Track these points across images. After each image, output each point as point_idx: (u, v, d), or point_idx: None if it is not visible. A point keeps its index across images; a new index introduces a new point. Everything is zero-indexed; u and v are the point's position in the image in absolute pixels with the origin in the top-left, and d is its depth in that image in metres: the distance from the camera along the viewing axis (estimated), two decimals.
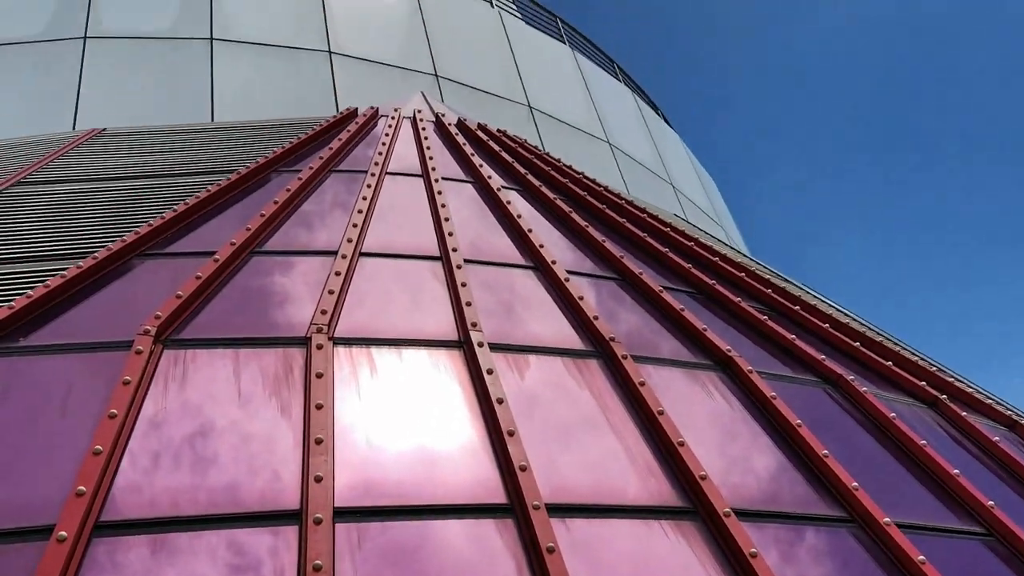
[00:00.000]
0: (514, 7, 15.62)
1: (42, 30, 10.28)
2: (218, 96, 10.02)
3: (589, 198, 6.54)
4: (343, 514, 2.97)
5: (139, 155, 6.81)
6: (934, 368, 5.76)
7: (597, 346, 4.32)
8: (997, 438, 4.78)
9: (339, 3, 11.73)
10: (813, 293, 8.00)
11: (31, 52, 10.07)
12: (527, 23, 14.63)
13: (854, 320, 7.15)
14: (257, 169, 5.95)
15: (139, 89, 9.91)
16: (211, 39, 10.53)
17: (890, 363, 5.24)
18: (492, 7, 13.96)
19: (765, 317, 5.18)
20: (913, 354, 6.36)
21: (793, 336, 5.01)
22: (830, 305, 7.55)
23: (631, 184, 12.21)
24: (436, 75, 11.51)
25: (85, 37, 10.19)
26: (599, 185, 7.18)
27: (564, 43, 14.55)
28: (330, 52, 11.02)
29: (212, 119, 9.69)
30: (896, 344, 6.55)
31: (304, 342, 3.89)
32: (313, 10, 11.46)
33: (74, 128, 9.15)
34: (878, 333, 6.87)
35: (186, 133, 7.62)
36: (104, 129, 8.03)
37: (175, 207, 5.17)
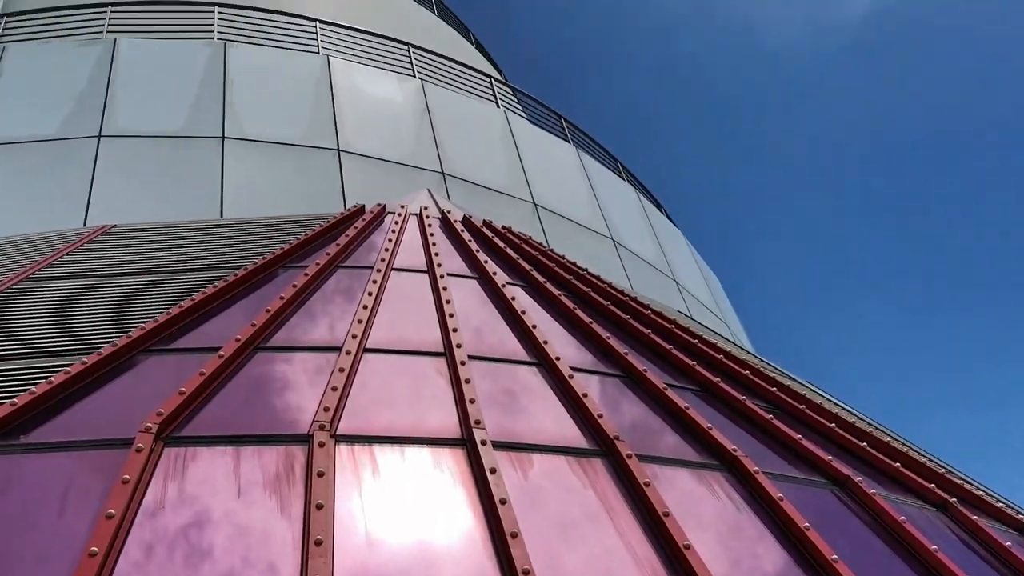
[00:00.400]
0: (519, 107, 15.98)
1: (57, 129, 10.52)
2: (228, 192, 10.18)
3: (593, 294, 6.57)
4: None
5: (147, 251, 6.88)
6: (943, 469, 5.68)
7: (602, 445, 4.28)
8: (1009, 543, 4.68)
9: (348, 103, 12.01)
10: (818, 391, 7.96)
11: (46, 150, 10.28)
12: (531, 122, 14.95)
13: (860, 419, 7.09)
14: (264, 265, 6.01)
15: (150, 186, 10.08)
16: (222, 137, 10.76)
17: (898, 464, 5.17)
18: (498, 107, 14.29)
19: (771, 416, 5.15)
20: (921, 454, 6.29)
21: (799, 435, 4.97)
22: (835, 403, 7.50)
23: (635, 281, 12.28)
24: (442, 172, 11.71)
25: (99, 136, 10.42)
26: (603, 282, 7.23)
27: (568, 141, 14.83)
28: (339, 150, 11.24)
29: (221, 215, 9.82)
30: (904, 444, 6.48)
31: (306, 439, 3.87)
32: (323, 110, 11.73)
33: (85, 224, 9.27)
34: (885, 432, 6.81)
35: (195, 229, 7.72)
36: (114, 225, 8.14)
37: (181, 303, 5.20)
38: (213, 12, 13.44)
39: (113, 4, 13.23)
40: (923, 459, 5.66)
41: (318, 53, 13.04)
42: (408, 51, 14.19)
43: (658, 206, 16.74)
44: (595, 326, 5.80)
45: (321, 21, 13.93)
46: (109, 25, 12.79)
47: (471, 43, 21.72)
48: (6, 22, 13.13)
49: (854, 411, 7.74)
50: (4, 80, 11.19)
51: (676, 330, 6.32)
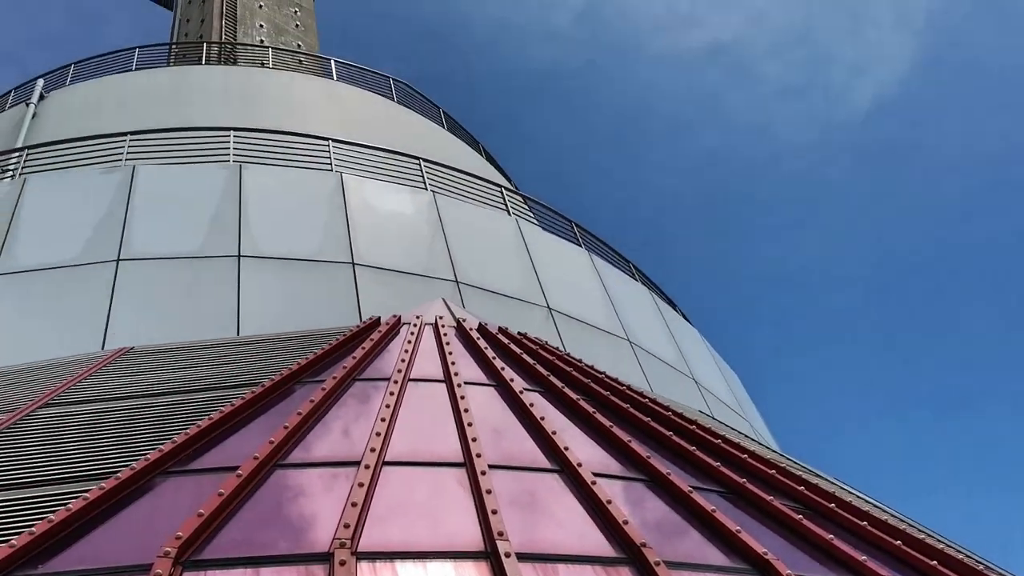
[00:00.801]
0: (530, 214, 16.20)
1: (76, 255, 10.70)
2: (244, 310, 10.26)
3: (612, 397, 6.52)
4: None
5: (165, 372, 6.90)
6: (980, 566, 5.51)
7: (628, 552, 4.18)
8: None
9: (362, 217, 12.20)
10: (847, 488, 7.79)
11: (65, 276, 10.44)
12: (543, 228, 15.12)
13: (892, 516, 6.92)
14: (281, 381, 6.01)
15: (168, 307, 10.18)
16: (238, 256, 10.91)
17: (935, 562, 5.02)
18: (509, 215, 14.48)
19: (800, 516, 5.03)
20: (958, 551, 6.10)
21: (831, 536, 4.84)
22: (866, 500, 7.33)
23: (653, 381, 12.19)
24: (457, 281, 11.79)
25: (118, 260, 10.59)
26: (622, 384, 7.18)
27: (580, 245, 14.96)
28: (353, 263, 11.36)
29: (238, 332, 9.88)
30: (939, 540, 6.30)
31: (327, 558, 3.79)
32: (337, 225, 11.91)
33: (103, 347, 9.34)
34: (919, 529, 6.62)
35: (211, 348, 7.76)
36: (131, 348, 8.19)
37: (199, 423, 5.19)
38: (229, 136, 13.81)
39: (132, 133, 13.63)
40: (960, 555, 5.49)
41: (331, 170, 13.32)
42: (419, 165, 14.48)
43: (672, 305, 16.76)
44: (616, 430, 5.74)
45: (334, 140, 14.28)
46: (128, 153, 13.15)
47: (480, 154, 22.18)
48: (27, 154, 13.52)
49: (885, 507, 7.55)
50: (25, 211, 11.45)
51: (698, 431, 6.24)
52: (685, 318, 16.83)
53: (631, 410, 6.31)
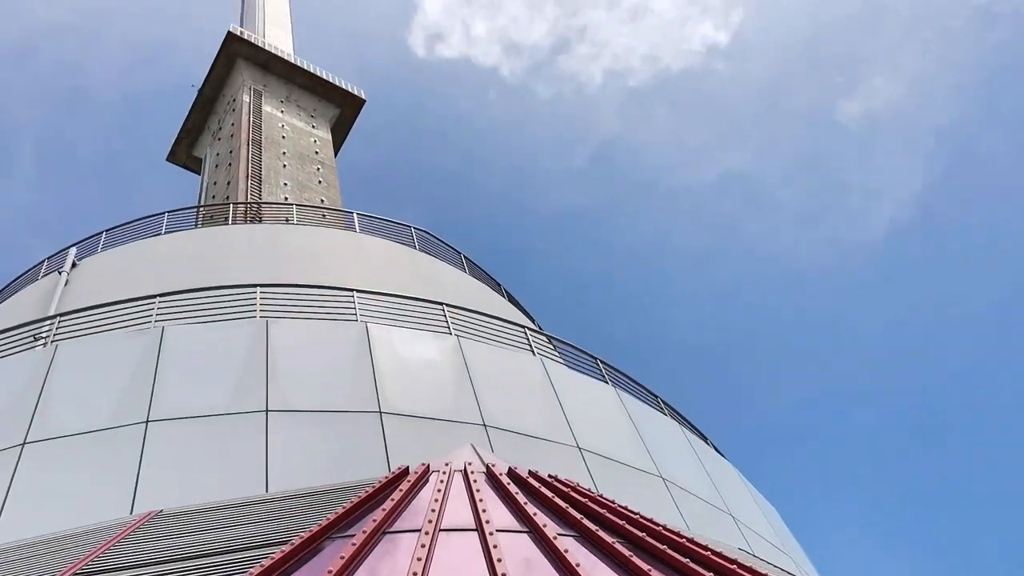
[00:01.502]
0: (555, 353, 16.22)
1: (106, 419, 10.78)
2: (272, 465, 10.22)
3: (648, 539, 6.36)
4: None
5: (193, 535, 6.83)
6: None
7: None
8: None
9: (388, 365, 12.27)
10: None
11: (95, 441, 10.49)
12: (568, 367, 15.11)
13: None
14: (310, 539, 5.92)
15: (196, 466, 10.16)
16: (266, 411, 10.95)
17: None
18: (534, 355, 14.51)
19: None
20: None
21: None
22: None
23: (689, 519, 11.89)
24: (484, 425, 11.72)
25: (147, 421, 10.65)
26: (657, 524, 7.01)
27: (606, 382, 14.90)
28: (380, 412, 11.35)
29: (266, 488, 9.81)
30: None
31: None
32: (364, 374, 11.98)
33: (133, 510, 9.28)
34: None
35: (240, 507, 7.69)
36: (160, 511, 8.14)
37: None
38: (255, 292, 14.09)
39: (161, 295, 13.94)
40: None
41: (356, 320, 13.49)
42: (443, 310, 14.65)
43: (704, 439, 16.51)
44: (654, 573, 5.57)
45: (358, 291, 14.53)
46: (157, 314, 13.41)
47: (503, 296, 22.43)
48: (59, 321, 13.82)
49: None
50: (56, 378, 11.61)
51: (739, 570, 6.05)
52: (718, 451, 16.55)
53: (668, 551, 6.14)
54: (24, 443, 10.46)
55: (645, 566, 5.69)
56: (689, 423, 16.46)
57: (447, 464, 7.88)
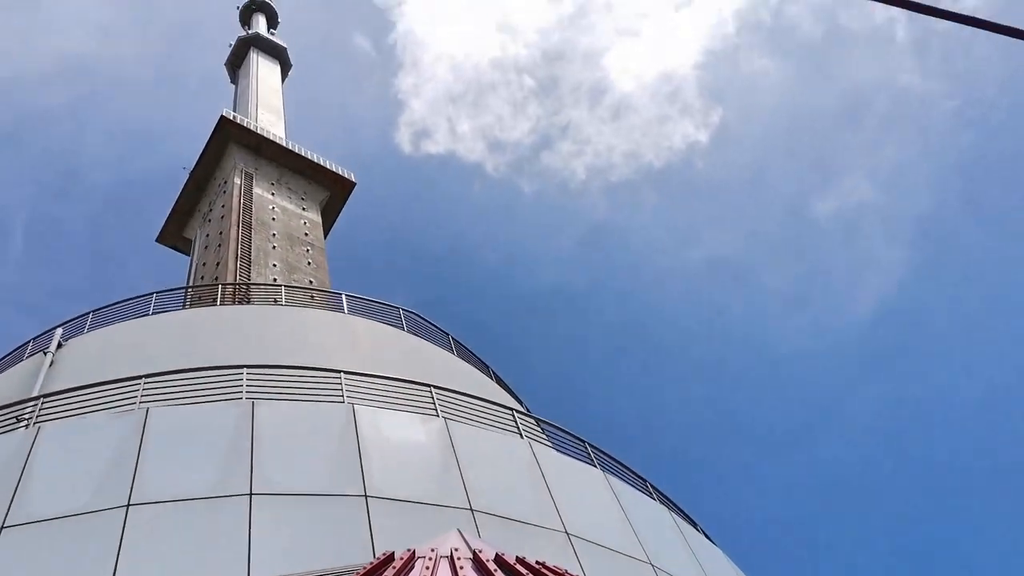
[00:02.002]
0: (543, 436, 16.11)
1: (86, 503, 10.59)
2: (255, 548, 10.03)
3: None
4: None
5: None
6: None
7: None
8: None
9: (374, 448, 12.16)
10: None
11: (74, 525, 10.29)
12: (556, 449, 15.00)
13: None
14: None
15: (177, 551, 9.96)
16: (250, 494, 10.79)
17: None
18: (521, 437, 14.41)
19: None
20: None
21: None
22: None
23: None
24: (471, 509, 11.58)
25: (128, 505, 10.47)
26: None
27: (595, 466, 14.78)
28: (366, 496, 11.21)
29: (249, 573, 9.61)
30: None
31: None
32: (349, 457, 11.86)
33: None
34: None
35: None
36: None
37: None
38: (242, 373, 14.02)
39: (146, 376, 13.85)
40: None
41: (343, 402, 13.41)
42: (431, 392, 14.58)
43: (694, 524, 16.31)
44: None
45: (345, 372, 14.47)
46: (142, 395, 13.29)
47: (490, 377, 22.36)
48: (42, 402, 13.68)
49: None
50: (37, 460, 11.45)
51: None
52: (708, 537, 16.34)
53: None
54: (2, 527, 10.26)
55: None
56: (678, 508, 16.29)
57: (433, 549, 7.76)
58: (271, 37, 67.30)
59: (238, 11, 72.41)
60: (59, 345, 19.14)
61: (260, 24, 69.37)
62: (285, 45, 67.06)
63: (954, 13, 4.85)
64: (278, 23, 72.08)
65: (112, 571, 9.57)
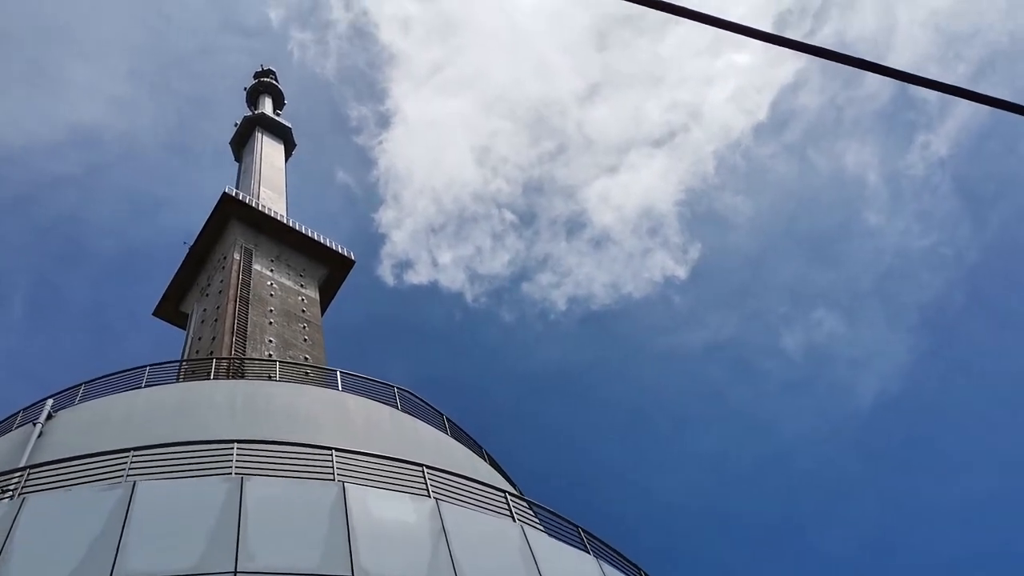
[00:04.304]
0: (537, 520, 15.85)
1: None
2: None
3: None
4: None
5: None
6: None
7: None
8: None
9: (363, 527, 11.96)
10: None
11: None
12: (549, 534, 14.74)
13: None
14: None
15: None
16: (235, 572, 10.55)
17: None
18: (514, 521, 14.18)
19: None
20: None
21: None
22: None
23: None
24: None
25: None
26: None
27: (588, 552, 14.51)
28: (353, 575, 10.97)
29: None
30: None
31: None
32: (338, 536, 11.65)
33: None
34: None
35: None
36: None
37: None
38: (232, 448, 13.85)
39: (135, 449, 13.68)
40: None
41: (334, 480, 13.22)
42: (423, 471, 14.40)
43: None
44: None
45: (337, 449, 14.31)
46: (131, 468, 13.12)
47: (484, 459, 22.10)
48: (28, 474, 13.48)
49: None
50: (20, 532, 11.23)
51: None
52: None
53: None
54: None
55: None
56: None
57: None
58: (276, 117, 68.39)
59: (245, 92, 73.76)
60: (49, 416, 18.94)
61: (266, 105, 70.59)
62: (290, 125, 68.14)
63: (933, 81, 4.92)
64: (284, 104, 73.36)
65: None
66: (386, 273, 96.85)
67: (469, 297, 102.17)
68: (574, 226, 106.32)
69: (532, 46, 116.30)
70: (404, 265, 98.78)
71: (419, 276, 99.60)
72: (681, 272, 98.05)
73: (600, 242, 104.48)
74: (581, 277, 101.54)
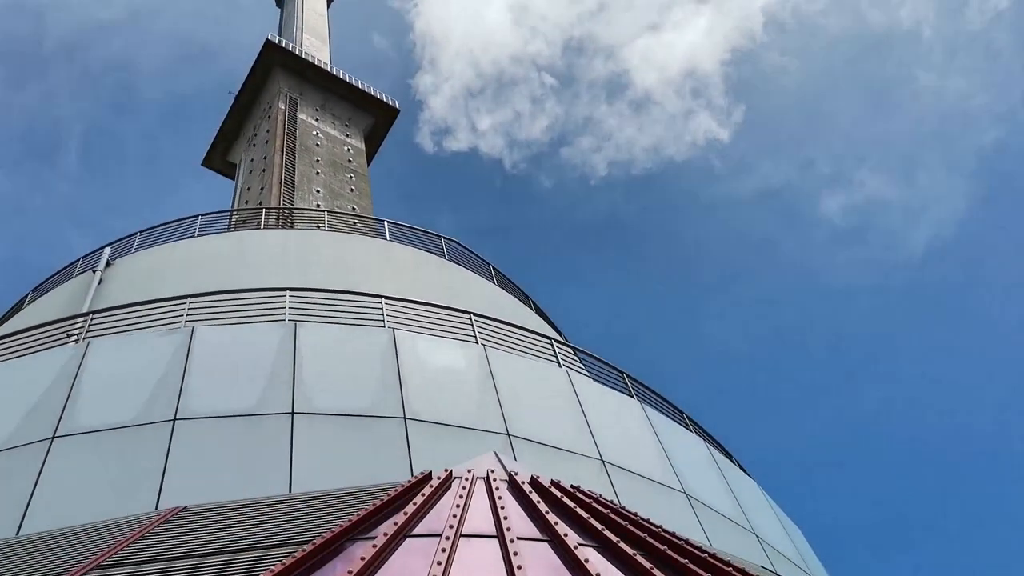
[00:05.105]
0: (581, 366, 16.18)
1: (135, 416, 10.88)
2: (297, 466, 10.27)
3: (670, 552, 6.32)
4: None
5: (216, 531, 6.87)
6: None
7: None
8: None
9: (413, 372, 12.30)
10: None
11: (123, 437, 10.60)
12: (594, 379, 15.06)
13: None
14: (332, 539, 5.94)
15: (222, 465, 10.23)
16: (292, 413, 11.01)
17: None
18: (559, 366, 14.49)
19: None
20: None
21: None
22: None
23: (712, 535, 11.80)
24: (508, 434, 11.72)
25: (174, 419, 10.74)
26: (679, 538, 6.96)
27: (632, 396, 14.84)
28: (405, 418, 11.38)
29: (290, 488, 9.86)
30: None
31: None
32: (390, 380, 12.02)
33: (157, 506, 9.36)
34: None
35: (263, 506, 7.73)
36: (185, 507, 8.20)
37: None
38: (285, 296, 14.19)
39: (192, 296, 14.08)
40: None
41: (384, 327, 13.55)
42: (470, 319, 14.67)
43: (730, 457, 16.38)
44: None
45: (386, 297, 14.58)
46: (188, 315, 13.54)
47: (530, 307, 22.42)
48: (92, 318, 13.99)
49: None
50: (87, 374, 11.75)
51: None
52: (743, 469, 16.42)
53: (690, 566, 6.10)
54: (53, 437, 10.59)
55: None
56: (714, 440, 16.35)
57: (470, 471, 7.88)
58: None
59: None
60: (107, 264, 19.50)
61: None
62: None
63: None
64: None
65: (159, 482, 9.87)
66: (425, 140, 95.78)
67: (508, 164, 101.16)
68: (615, 87, 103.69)
69: None
70: (443, 132, 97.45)
71: (458, 142, 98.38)
72: (724, 135, 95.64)
73: (642, 104, 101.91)
74: (622, 140, 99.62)
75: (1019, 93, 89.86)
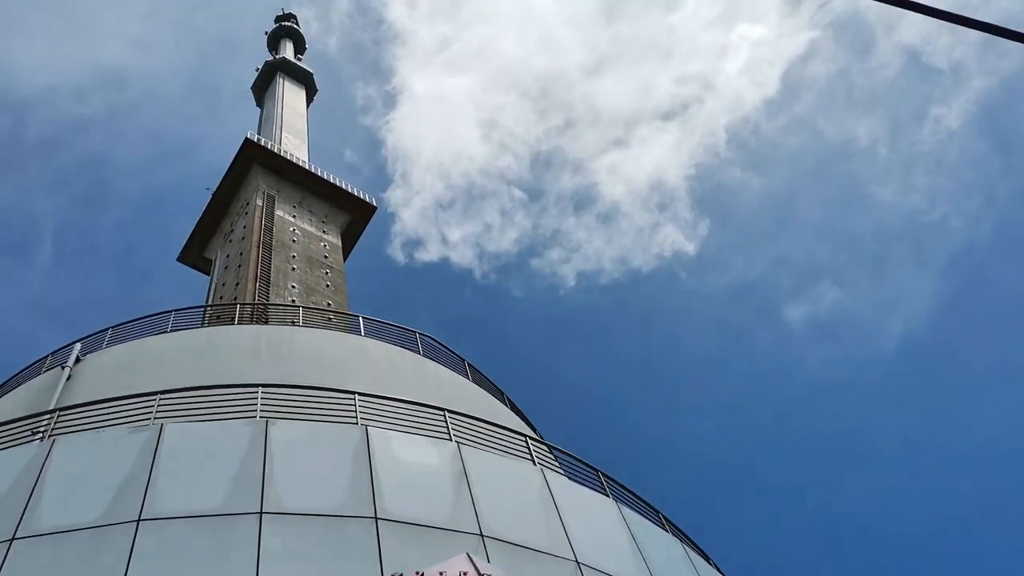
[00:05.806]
0: (556, 463, 16.04)
1: (97, 516, 10.61)
2: (263, 567, 10.03)
3: None
4: None
5: None
6: None
7: None
8: None
9: (386, 470, 12.14)
10: None
11: (84, 539, 10.32)
12: (569, 478, 14.91)
13: None
14: None
15: (186, 567, 9.95)
16: (260, 513, 10.78)
17: None
18: (534, 464, 14.35)
19: None
20: None
21: None
22: None
23: None
24: (481, 535, 11.52)
25: (139, 520, 10.48)
26: None
27: (607, 495, 14.68)
28: (376, 518, 11.18)
29: None
30: None
31: None
32: (361, 479, 11.84)
33: None
34: None
35: None
36: None
37: None
38: (257, 392, 14.06)
39: (162, 392, 13.91)
40: None
41: (357, 424, 13.41)
42: (444, 416, 14.56)
43: (706, 558, 16.14)
44: None
45: (359, 393, 14.48)
46: (157, 411, 13.35)
47: (505, 403, 22.30)
48: (58, 416, 13.76)
49: None
50: (51, 473, 11.50)
51: None
52: (719, 570, 16.17)
53: None
54: (12, 539, 10.29)
55: None
56: (690, 539, 16.13)
57: (442, 573, 7.74)
58: (297, 62, 67.99)
59: (266, 36, 73.29)
60: (77, 360, 19.27)
61: (287, 49, 70.14)
62: (311, 70, 67.74)
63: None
64: (305, 49, 72.89)
65: None
66: (396, 252, 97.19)
67: (478, 274, 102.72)
68: (583, 200, 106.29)
69: (539, 20, 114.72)
70: (414, 243, 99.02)
71: (429, 253, 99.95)
72: (690, 248, 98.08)
73: (609, 216, 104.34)
74: (590, 252, 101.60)
75: (976, 205, 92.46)
